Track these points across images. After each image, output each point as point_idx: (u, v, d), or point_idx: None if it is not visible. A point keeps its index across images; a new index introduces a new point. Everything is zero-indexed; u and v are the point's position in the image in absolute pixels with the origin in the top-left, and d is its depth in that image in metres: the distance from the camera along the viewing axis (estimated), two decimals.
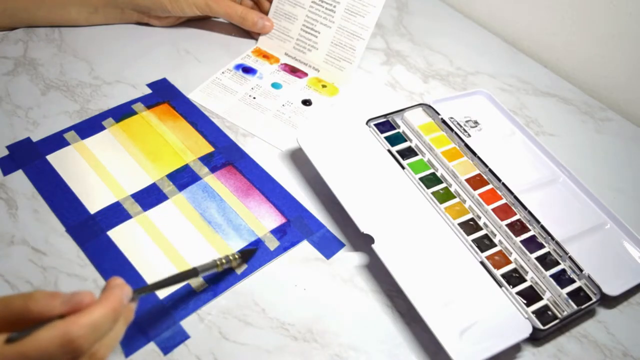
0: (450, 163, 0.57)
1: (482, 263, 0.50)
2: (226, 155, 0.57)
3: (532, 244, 0.52)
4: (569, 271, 0.50)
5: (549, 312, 0.47)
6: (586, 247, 0.52)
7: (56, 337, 0.31)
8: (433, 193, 0.55)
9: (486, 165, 0.57)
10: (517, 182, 0.56)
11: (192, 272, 0.43)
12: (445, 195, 0.55)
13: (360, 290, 0.49)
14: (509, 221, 0.53)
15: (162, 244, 0.50)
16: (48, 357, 0.31)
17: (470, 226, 0.53)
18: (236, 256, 0.47)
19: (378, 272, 0.50)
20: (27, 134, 0.57)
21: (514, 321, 0.46)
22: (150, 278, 0.47)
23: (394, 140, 0.59)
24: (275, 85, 0.66)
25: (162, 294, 0.46)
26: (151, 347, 0.43)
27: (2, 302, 0.32)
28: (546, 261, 0.50)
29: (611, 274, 0.50)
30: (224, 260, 0.46)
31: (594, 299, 0.48)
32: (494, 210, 0.54)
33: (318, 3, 0.67)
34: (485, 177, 0.57)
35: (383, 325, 0.47)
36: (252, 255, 0.49)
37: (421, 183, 0.55)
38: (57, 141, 0.56)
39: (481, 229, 0.53)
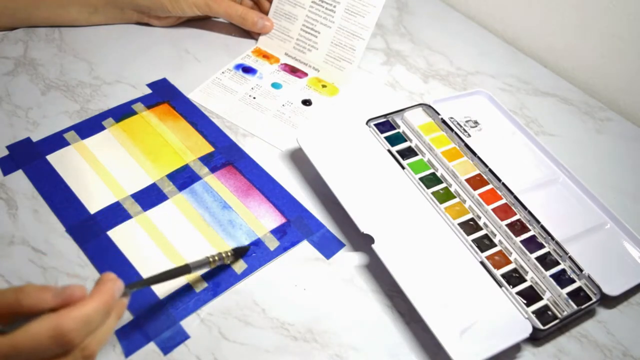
0: (450, 163, 0.57)
1: (482, 263, 0.50)
2: (226, 155, 0.57)
3: (532, 244, 0.52)
4: (569, 271, 0.50)
5: (549, 312, 0.47)
6: (586, 247, 0.52)
7: (48, 329, 0.31)
8: (433, 193, 0.55)
9: (486, 165, 0.57)
10: (517, 182, 0.56)
11: (185, 269, 0.43)
12: (445, 195, 0.55)
13: (360, 290, 0.49)
14: (509, 221, 0.53)
15: (162, 244, 0.50)
16: (39, 350, 0.31)
17: (470, 226, 0.53)
18: (229, 253, 0.47)
19: (378, 272, 0.50)
20: (27, 134, 0.57)
21: (514, 321, 0.46)
22: None
23: (394, 140, 0.59)
24: (275, 85, 0.66)
25: (162, 294, 0.46)
26: (151, 347, 0.43)
27: None
28: (546, 261, 0.50)
29: (611, 274, 0.50)
30: (216, 257, 0.46)
31: (594, 299, 0.48)
32: (494, 210, 0.54)
33: (318, 3, 0.67)
34: (485, 177, 0.57)
35: (383, 325, 0.47)
36: (245, 252, 0.49)
37: (421, 183, 0.55)
38: (57, 141, 0.56)
39: (481, 229, 0.53)
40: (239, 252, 0.48)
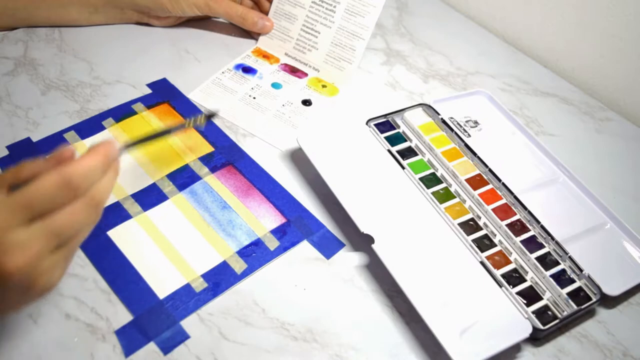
0: (450, 163, 0.57)
1: (482, 263, 0.50)
2: (226, 155, 0.57)
3: (532, 244, 0.52)
4: (569, 271, 0.50)
5: (549, 312, 0.47)
6: (586, 247, 0.52)
7: (55, 180, 0.34)
8: (433, 193, 0.55)
9: (486, 165, 0.57)
10: (517, 182, 0.56)
11: (166, 131, 0.46)
12: (445, 195, 0.55)
13: (360, 290, 0.49)
14: (509, 221, 0.53)
15: (162, 244, 0.50)
16: (50, 199, 0.34)
17: (470, 226, 0.53)
18: (202, 117, 0.49)
19: (378, 272, 0.50)
20: (27, 134, 0.57)
21: (514, 321, 0.46)
22: (150, 278, 0.47)
23: (394, 140, 0.59)
24: (275, 85, 0.66)
25: (162, 294, 0.46)
26: (151, 347, 0.43)
27: None
28: (546, 261, 0.50)
29: (611, 274, 0.50)
30: (190, 122, 0.47)
31: (594, 299, 0.48)
32: (494, 210, 0.54)
33: (318, 3, 0.67)
34: (485, 177, 0.57)
35: (383, 325, 0.47)
36: (214, 116, 0.52)
37: (421, 183, 0.55)
38: (57, 141, 0.56)
39: (481, 229, 0.53)
40: (211, 115, 0.50)
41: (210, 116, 0.51)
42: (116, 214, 0.51)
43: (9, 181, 0.35)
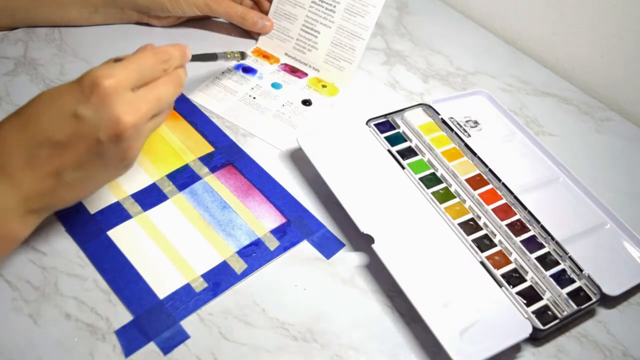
0: (450, 163, 0.57)
1: (482, 263, 0.50)
2: (226, 155, 0.57)
3: (532, 244, 0.52)
4: (569, 271, 0.50)
5: (549, 312, 0.47)
6: (586, 247, 0.52)
7: (152, 53, 0.42)
8: (433, 193, 0.55)
9: (486, 165, 0.57)
10: (517, 182, 0.56)
11: (213, 55, 0.57)
12: (445, 195, 0.55)
13: (360, 290, 0.49)
14: (509, 221, 0.53)
15: (162, 244, 0.50)
16: (151, 67, 0.41)
17: (470, 226, 0.53)
18: (238, 53, 0.61)
19: (378, 272, 0.50)
20: None
21: (514, 321, 0.46)
22: (150, 278, 0.47)
23: (394, 140, 0.59)
24: (275, 85, 0.66)
25: (162, 294, 0.46)
26: (151, 347, 0.43)
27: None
28: (546, 261, 0.51)
29: (611, 274, 0.50)
30: (230, 54, 0.59)
31: (594, 299, 0.48)
32: (494, 210, 0.54)
33: (318, 3, 0.67)
34: (485, 177, 0.57)
35: (383, 325, 0.47)
36: (245, 55, 0.62)
37: (421, 183, 0.55)
38: None
39: (481, 229, 0.53)
40: (244, 54, 0.61)
41: (243, 54, 0.61)
42: (116, 214, 0.51)
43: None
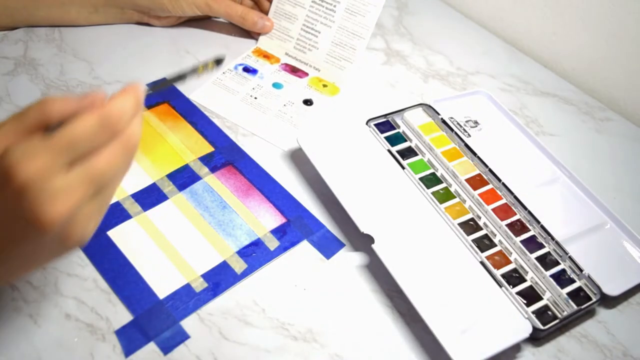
0: (450, 163, 0.57)
1: (482, 263, 0.50)
2: (226, 155, 0.57)
3: (532, 244, 0.52)
4: (569, 271, 0.50)
5: (549, 312, 0.47)
6: (586, 247, 0.52)
7: (94, 119, 0.32)
8: (433, 193, 0.55)
9: (486, 165, 0.57)
10: (517, 182, 0.56)
11: (181, 76, 0.45)
12: (445, 195, 0.55)
13: (360, 290, 0.49)
14: (509, 221, 0.53)
15: (162, 244, 0.50)
16: (90, 140, 0.32)
17: (470, 226, 0.53)
18: (211, 63, 0.49)
19: (378, 272, 0.50)
20: None
21: (514, 321, 0.46)
22: (150, 278, 0.47)
23: (394, 140, 0.59)
24: (276, 85, 0.66)
25: (162, 294, 0.46)
26: (151, 347, 0.43)
27: (15, 119, 0.33)
28: (546, 261, 0.50)
29: (611, 274, 0.50)
30: (201, 67, 0.47)
31: (594, 299, 0.48)
32: (494, 210, 0.54)
33: (318, 3, 0.67)
34: (485, 177, 0.57)
35: (383, 325, 0.47)
36: (222, 61, 0.50)
37: (421, 183, 0.55)
38: None
39: (481, 229, 0.53)
40: (219, 61, 0.50)
41: (218, 61, 0.51)
42: (116, 214, 0.51)
43: (36, 121, 0.33)
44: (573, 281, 0.50)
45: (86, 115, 0.32)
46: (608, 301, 0.50)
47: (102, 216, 0.35)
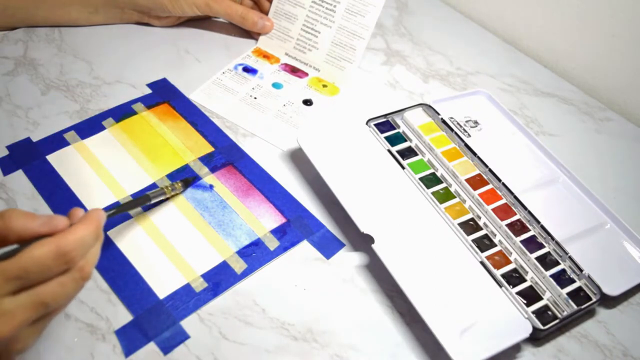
0: (450, 163, 0.57)
1: (482, 263, 0.50)
2: (226, 155, 0.57)
3: (532, 244, 0.52)
4: (569, 271, 0.50)
5: (549, 312, 0.47)
6: (586, 247, 0.52)
7: (51, 250, 0.33)
8: (433, 193, 0.55)
9: (486, 165, 0.57)
10: (517, 182, 0.56)
11: (145, 199, 0.47)
12: (445, 195, 0.55)
13: (360, 290, 0.49)
14: (509, 221, 0.53)
15: (162, 244, 0.50)
16: (45, 269, 0.33)
17: (470, 226, 0.53)
18: (179, 184, 0.52)
19: (378, 272, 0.50)
20: (27, 134, 0.57)
21: (514, 321, 0.46)
22: (150, 278, 0.47)
23: (394, 140, 0.59)
24: (276, 85, 0.66)
25: (162, 294, 0.46)
26: (151, 347, 0.43)
27: None
28: (546, 261, 0.50)
29: (611, 274, 0.50)
30: (169, 187, 0.50)
31: (594, 299, 0.48)
32: (494, 210, 0.54)
33: (318, 3, 0.67)
34: (485, 177, 0.57)
35: (383, 325, 0.47)
36: (192, 182, 0.52)
37: (421, 183, 0.55)
38: (57, 141, 0.56)
39: (481, 229, 0.53)
40: (187, 182, 0.52)
41: (187, 182, 0.53)
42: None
43: None
44: (573, 281, 0.50)
45: (44, 244, 0.33)
46: (608, 301, 0.50)
47: (43, 332, 0.36)
